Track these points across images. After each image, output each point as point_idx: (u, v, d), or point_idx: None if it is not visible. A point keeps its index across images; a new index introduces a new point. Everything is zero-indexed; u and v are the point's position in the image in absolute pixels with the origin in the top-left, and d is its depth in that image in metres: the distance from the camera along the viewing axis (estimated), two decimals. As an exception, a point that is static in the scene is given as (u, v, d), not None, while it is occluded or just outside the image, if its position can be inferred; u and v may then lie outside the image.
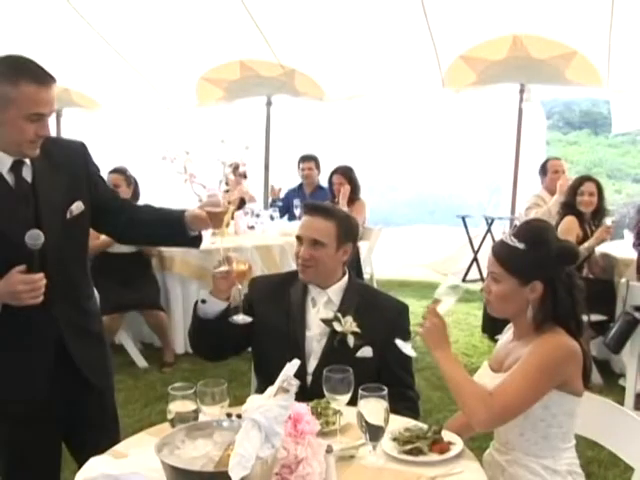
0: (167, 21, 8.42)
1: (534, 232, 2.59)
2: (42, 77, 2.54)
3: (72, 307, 2.82)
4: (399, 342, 2.70)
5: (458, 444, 2.41)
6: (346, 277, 3.17)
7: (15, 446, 2.82)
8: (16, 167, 2.67)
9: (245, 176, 8.21)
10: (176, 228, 2.91)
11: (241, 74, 9.45)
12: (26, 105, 2.51)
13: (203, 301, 2.98)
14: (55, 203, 2.72)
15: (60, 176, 2.76)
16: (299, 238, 3.12)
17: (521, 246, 2.52)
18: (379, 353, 3.01)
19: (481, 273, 8.95)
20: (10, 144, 2.61)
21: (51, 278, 2.61)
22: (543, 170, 7.27)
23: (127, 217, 2.96)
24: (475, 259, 9.17)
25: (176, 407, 2.28)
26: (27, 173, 2.70)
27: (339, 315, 3.01)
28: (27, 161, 2.69)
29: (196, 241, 3.00)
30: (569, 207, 6.13)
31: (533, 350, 2.47)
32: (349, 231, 3.16)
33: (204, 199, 6.46)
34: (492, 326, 6.66)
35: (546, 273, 2.52)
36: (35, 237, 2.51)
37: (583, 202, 6.07)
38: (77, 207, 2.77)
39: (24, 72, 2.51)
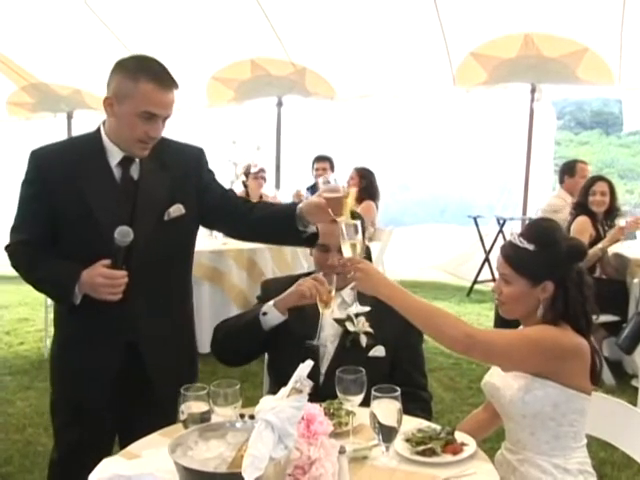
0: (179, 18, 8.43)
1: (543, 232, 2.58)
2: (162, 79, 2.61)
3: (155, 311, 2.81)
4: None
5: (471, 445, 2.41)
6: None
7: (70, 438, 2.88)
8: (125, 163, 2.74)
9: (265, 179, 8.26)
10: (286, 225, 2.80)
11: (252, 73, 9.45)
12: (140, 102, 2.59)
13: (264, 313, 2.98)
14: (154, 203, 2.76)
15: (165, 178, 2.80)
16: (324, 246, 3.07)
17: (531, 247, 2.51)
18: (392, 353, 3.02)
19: (493, 274, 8.91)
20: (121, 139, 2.70)
21: (137, 278, 2.66)
22: (570, 171, 7.19)
23: (239, 216, 2.92)
24: (487, 259, 9.14)
25: (189, 408, 2.29)
26: (135, 171, 2.76)
27: (352, 315, 3.01)
28: (137, 159, 2.75)
29: (311, 239, 2.86)
30: (581, 207, 6.13)
31: (539, 326, 2.49)
32: (365, 231, 3.17)
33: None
34: (504, 327, 6.61)
35: (557, 273, 2.51)
36: (124, 234, 2.55)
37: (595, 202, 6.08)
38: (176, 210, 2.79)
39: (146, 70, 2.60)
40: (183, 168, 2.87)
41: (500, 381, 2.60)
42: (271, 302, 2.97)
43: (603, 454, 4.17)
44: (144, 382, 2.83)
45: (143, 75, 2.58)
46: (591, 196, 6.10)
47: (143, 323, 2.79)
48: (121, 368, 2.80)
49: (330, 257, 3.04)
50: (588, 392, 2.52)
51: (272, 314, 2.96)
